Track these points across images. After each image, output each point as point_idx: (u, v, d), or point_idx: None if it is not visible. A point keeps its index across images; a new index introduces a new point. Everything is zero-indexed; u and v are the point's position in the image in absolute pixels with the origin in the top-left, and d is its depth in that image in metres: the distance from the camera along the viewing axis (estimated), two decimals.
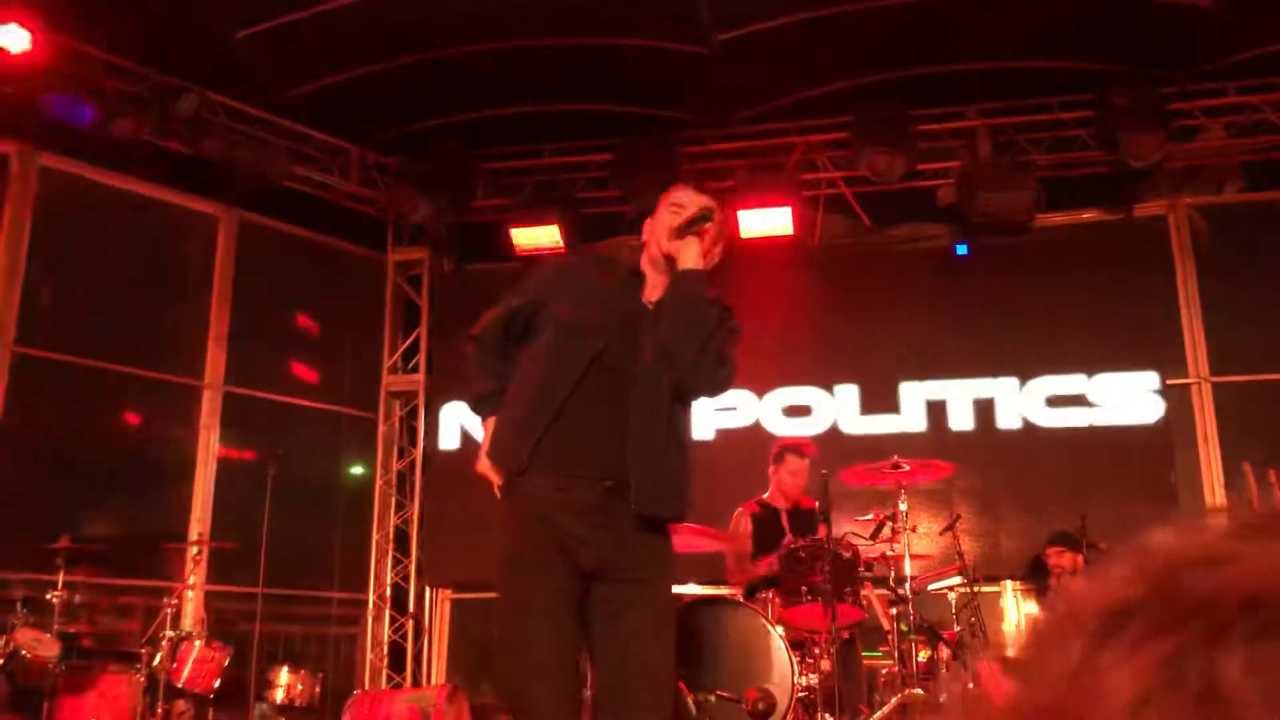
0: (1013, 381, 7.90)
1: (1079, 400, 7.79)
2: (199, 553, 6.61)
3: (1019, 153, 7.92)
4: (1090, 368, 7.79)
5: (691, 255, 2.94)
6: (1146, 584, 0.48)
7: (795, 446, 6.10)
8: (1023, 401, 7.87)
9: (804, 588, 5.09)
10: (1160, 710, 0.43)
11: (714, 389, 2.99)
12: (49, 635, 5.68)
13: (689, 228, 2.96)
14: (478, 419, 3.13)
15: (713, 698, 4.54)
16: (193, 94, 7.20)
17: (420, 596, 8.55)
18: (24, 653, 5.56)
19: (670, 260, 2.99)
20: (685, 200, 3.05)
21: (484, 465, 2.98)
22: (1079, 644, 0.47)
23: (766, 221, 7.90)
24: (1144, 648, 0.45)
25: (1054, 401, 7.83)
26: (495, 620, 2.90)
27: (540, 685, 2.71)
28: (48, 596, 5.84)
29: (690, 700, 4.58)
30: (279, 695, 6.63)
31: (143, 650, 5.94)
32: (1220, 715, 0.42)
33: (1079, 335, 7.87)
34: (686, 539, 5.49)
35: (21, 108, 6.80)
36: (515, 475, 2.87)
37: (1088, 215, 8.38)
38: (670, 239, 2.98)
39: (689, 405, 3.03)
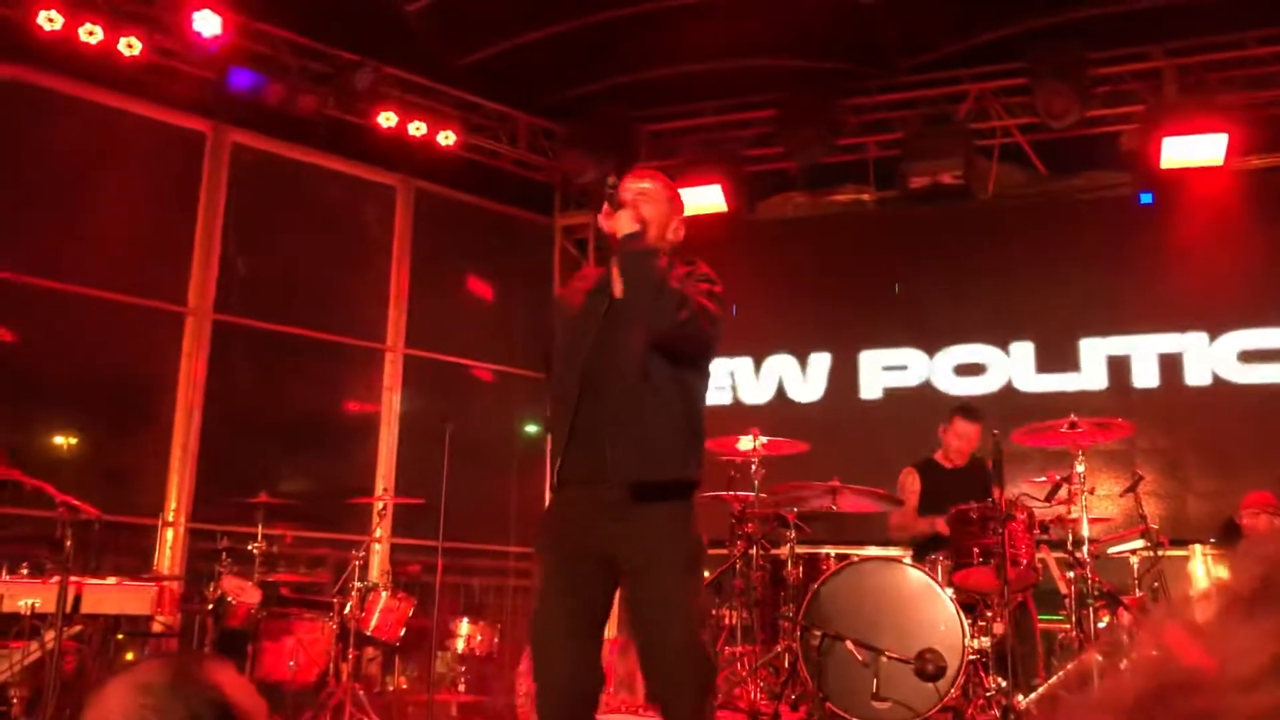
0: (1202, 336, 7.50)
1: (1276, 355, 7.34)
2: (384, 508, 6.92)
3: (1209, 92, 7.46)
4: None
5: (623, 223, 3.11)
6: None
7: (964, 408, 6.06)
8: (1213, 357, 7.47)
9: (975, 549, 5.01)
10: None
11: (678, 328, 3.05)
12: (251, 583, 6.09)
13: (611, 205, 3.15)
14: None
15: (883, 658, 4.53)
16: (368, 68, 7.47)
17: None
18: (230, 599, 5.98)
19: (614, 239, 3.16)
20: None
21: None
22: None
23: (937, 172, 7.68)
24: None
25: (1248, 357, 7.40)
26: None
27: (547, 653, 3.15)
28: (248, 548, 6.24)
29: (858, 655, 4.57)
30: (460, 645, 6.93)
31: (334, 600, 6.28)
32: None
33: (1277, 286, 7.39)
34: (854, 499, 5.47)
35: (215, 89, 7.21)
36: (553, 490, 3.25)
37: None
38: (604, 221, 3.18)
39: (686, 367, 3.18)
